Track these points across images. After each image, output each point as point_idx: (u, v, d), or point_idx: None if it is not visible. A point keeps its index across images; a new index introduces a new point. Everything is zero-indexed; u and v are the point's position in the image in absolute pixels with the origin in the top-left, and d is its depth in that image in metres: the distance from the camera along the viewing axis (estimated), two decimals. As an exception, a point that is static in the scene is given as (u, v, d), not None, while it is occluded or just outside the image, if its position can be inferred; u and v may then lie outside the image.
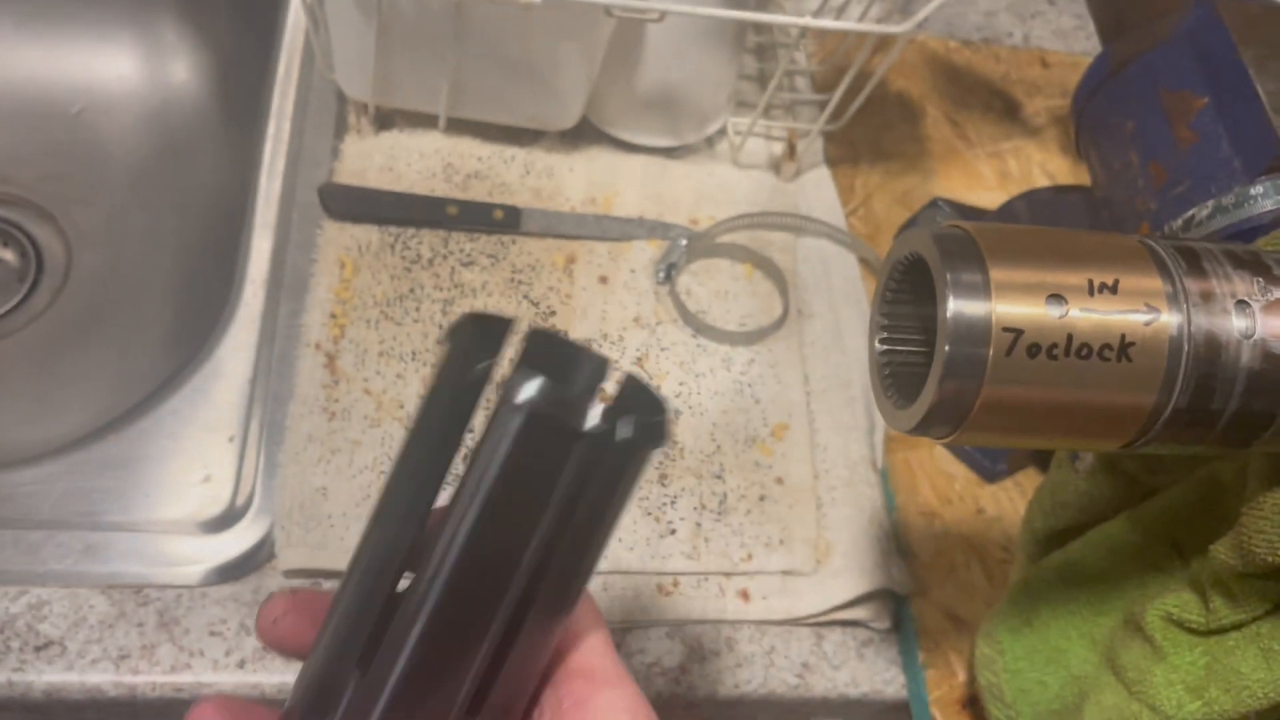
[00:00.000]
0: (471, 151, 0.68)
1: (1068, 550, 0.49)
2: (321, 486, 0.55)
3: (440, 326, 0.61)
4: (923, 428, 0.33)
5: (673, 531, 0.57)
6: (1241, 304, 0.32)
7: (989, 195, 0.73)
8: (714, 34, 0.65)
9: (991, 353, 0.31)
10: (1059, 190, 0.65)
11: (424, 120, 0.68)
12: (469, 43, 0.60)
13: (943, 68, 0.80)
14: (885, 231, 0.71)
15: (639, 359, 0.63)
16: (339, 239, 0.63)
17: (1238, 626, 0.41)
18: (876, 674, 0.57)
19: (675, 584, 0.57)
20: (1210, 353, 0.32)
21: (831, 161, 0.74)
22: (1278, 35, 0.51)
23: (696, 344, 0.64)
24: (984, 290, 0.31)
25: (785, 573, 0.58)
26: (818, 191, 0.72)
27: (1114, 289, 0.31)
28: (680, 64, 0.66)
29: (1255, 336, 0.32)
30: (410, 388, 0.59)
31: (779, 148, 0.73)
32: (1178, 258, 0.33)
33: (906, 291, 0.36)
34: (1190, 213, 0.50)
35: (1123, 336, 0.31)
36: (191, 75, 0.82)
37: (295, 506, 0.54)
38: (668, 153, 0.71)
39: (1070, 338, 0.31)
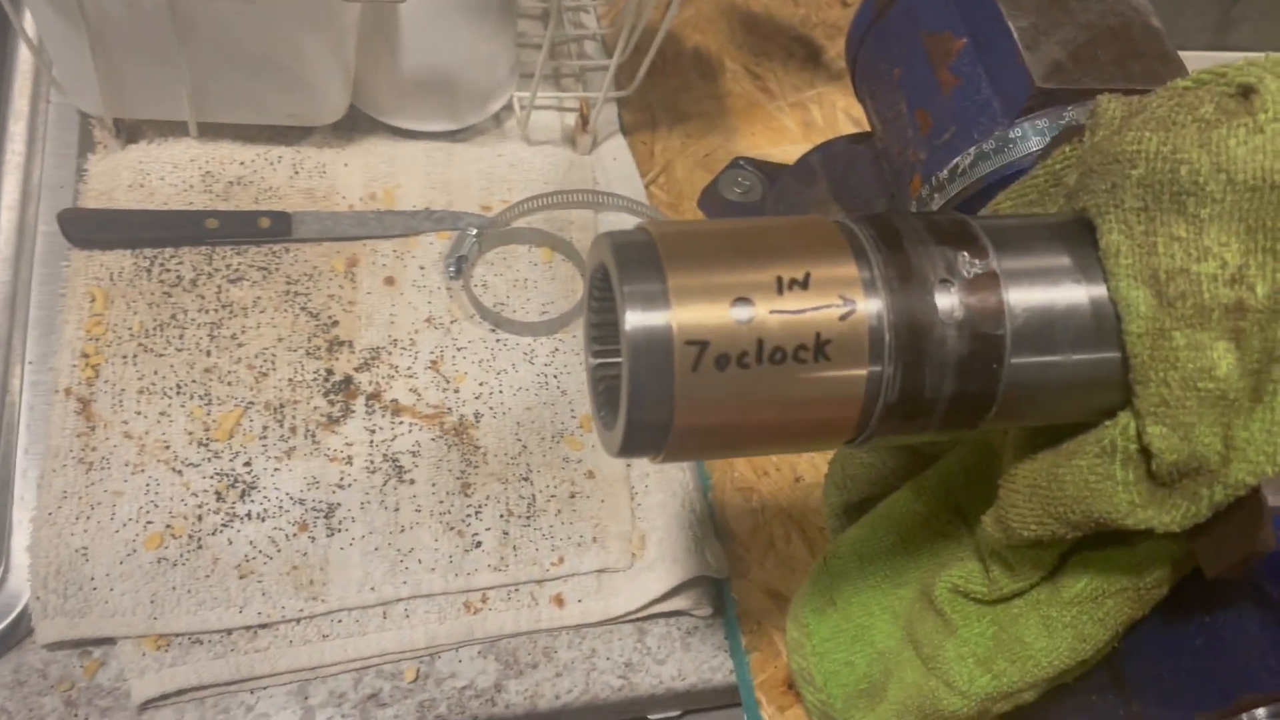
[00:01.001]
0: (232, 156, 0.63)
1: (861, 524, 0.47)
2: (81, 547, 0.51)
3: (208, 354, 0.57)
4: (627, 451, 0.30)
5: (478, 544, 0.54)
6: (944, 282, 0.30)
7: (794, 148, 0.71)
8: (478, 6, 0.61)
9: (677, 369, 0.28)
10: (853, 140, 0.63)
11: (174, 129, 0.62)
12: (197, 42, 0.55)
13: (740, 17, 0.77)
14: (688, 198, 0.68)
15: (433, 363, 0.59)
16: (87, 269, 0.58)
17: (1019, 594, 0.39)
18: (703, 662, 0.55)
19: (484, 599, 0.54)
20: (914, 339, 0.29)
21: (629, 129, 0.70)
22: (1030, -34, 0.49)
23: (496, 339, 0.61)
24: (663, 300, 0.28)
25: (600, 571, 0.55)
26: (616, 163, 0.69)
27: (805, 283, 0.29)
28: (446, 41, 0.62)
29: (960, 316, 0.29)
30: (178, 425, 0.54)
31: (573, 119, 0.69)
32: (876, 239, 0.30)
33: (611, 300, 0.33)
34: (955, 161, 0.48)
35: (818, 335, 0.29)
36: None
37: (51, 572, 0.49)
38: (452, 136, 0.67)
39: (761, 343, 0.28)
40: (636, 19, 0.67)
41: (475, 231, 0.63)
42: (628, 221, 0.67)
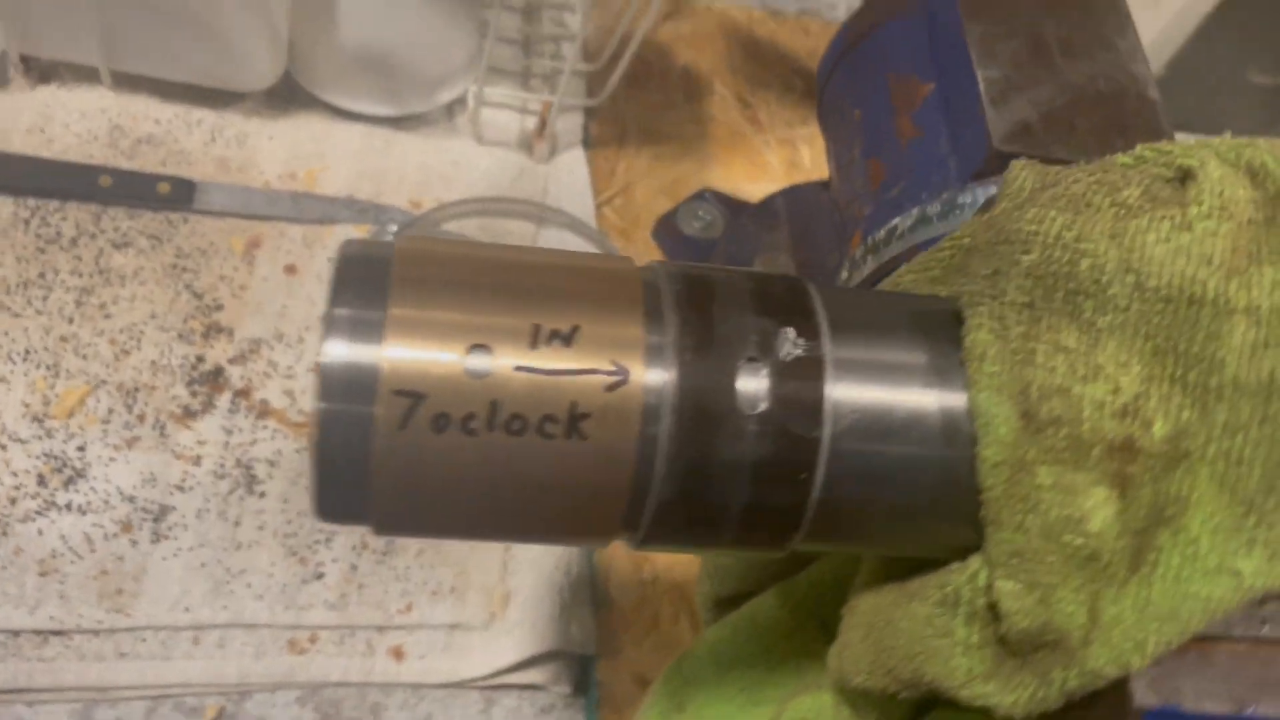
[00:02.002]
0: (148, 113, 0.58)
1: (722, 624, 0.40)
2: (-127, 512, 0.45)
3: (71, 321, 0.51)
4: (326, 514, 0.24)
5: (320, 576, 0.48)
6: (752, 362, 0.23)
7: (772, 188, 0.64)
8: (430, -14, 0.55)
9: (379, 424, 0.22)
10: (822, 185, 0.56)
11: (90, 75, 0.58)
12: (103, -19, 0.50)
13: (741, 40, 0.71)
14: (643, 225, 0.62)
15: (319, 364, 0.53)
16: (-40, 211, 0.53)
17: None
18: (555, 748, 0.48)
19: (313, 640, 0.47)
20: (701, 429, 0.23)
21: (594, 142, 0.64)
22: (1015, 10, 0.42)
23: (397, 348, 0.55)
24: (376, 332, 0.22)
25: (453, 626, 0.49)
26: (570, 175, 0.63)
27: (569, 338, 0.22)
28: (392, 16, 0.56)
29: (765, 408, 0.23)
30: (16, 394, 0.49)
31: (534, 123, 0.64)
32: (682, 297, 0.24)
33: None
34: (895, 221, 0.41)
35: (573, 405, 0.22)
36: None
37: None
38: (395, 123, 0.62)
39: (495, 406, 0.22)
40: (629, 27, 0.61)
41: (395, 228, 0.57)
42: (572, 242, 0.61)
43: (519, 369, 0.22)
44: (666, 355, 0.23)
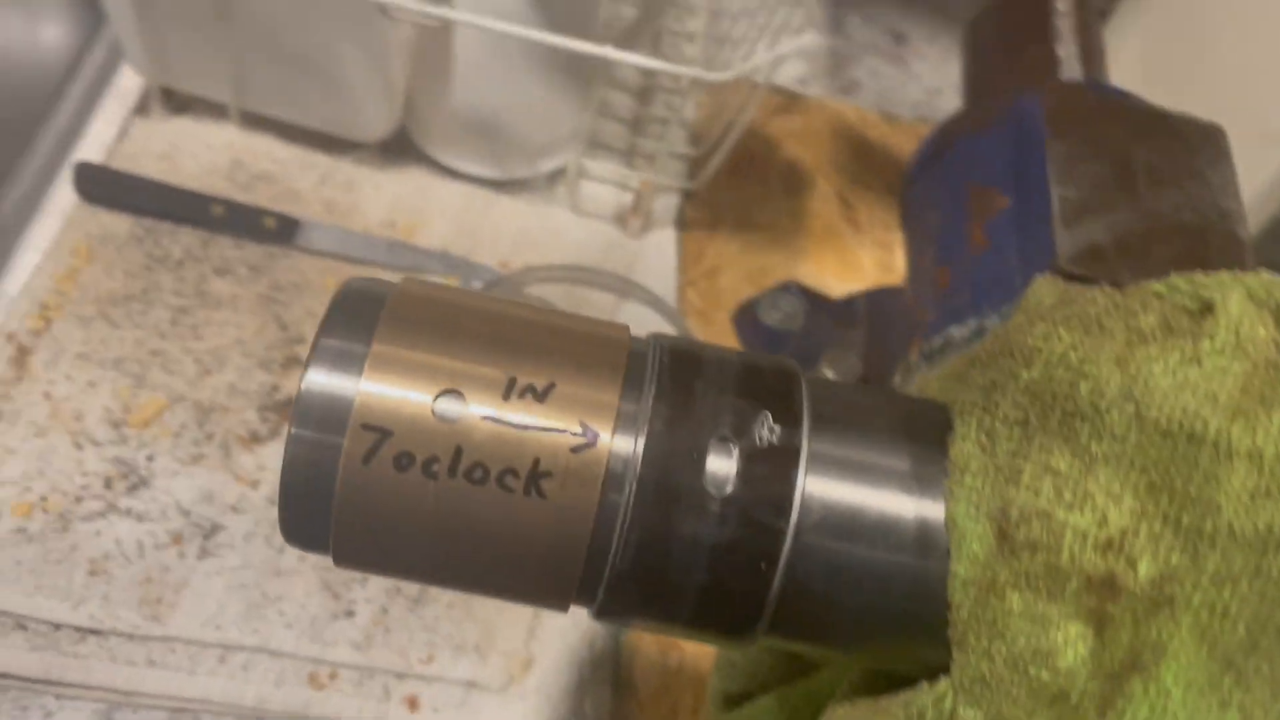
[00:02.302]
0: (268, 151, 0.61)
1: (730, 717, 0.39)
2: (-48, 492, 0.48)
3: (163, 337, 0.54)
4: (291, 535, 0.24)
5: (350, 613, 0.49)
6: (724, 441, 0.23)
7: (861, 287, 0.64)
8: (543, 59, 0.57)
9: (344, 455, 0.22)
10: (902, 290, 0.56)
11: (221, 112, 0.61)
12: (237, 23, 0.54)
13: (850, 139, 0.71)
14: (724, 309, 0.62)
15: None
16: (84, 223, 0.57)
17: None
18: (555, 825, 0.47)
19: (332, 676, 0.48)
20: (663, 502, 0.22)
21: (687, 224, 0.65)
22: (1104, 132, 0.41)
23: (465, 402, 0.56)
24: (357, 365, 0.23)
25: (470, 684, 0.49)
26: (658, 253, 0.64)
27: (543, 394, 0.23)
28: (502, 84, 0.58)
29: (731, 491, 0.22)
30: (100, 399, 0.52)
31: (630, 199, 0.65)
32: (666, 368, 0.24)
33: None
34: (952, 330, 0.40)
35: (536, 462, 0.22)
36: (65, 38, 0.78)
37: (-91, 510, 0.47)
38: (497, 185, 0.64)
39: (459, 453, 0.22)
40: (736, 115, 0.62)
41: (479, 284, 0.59)
42: (651, 318, 0.61)
43: (487, 418, 0.22)
44: (638, 424, 0.23)
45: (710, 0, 0.73)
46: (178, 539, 0.49)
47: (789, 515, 0.22)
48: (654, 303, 0.61)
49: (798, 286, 0.62)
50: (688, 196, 0.66)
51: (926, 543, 0.23)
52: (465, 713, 0.48)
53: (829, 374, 0.50)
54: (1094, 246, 0.38)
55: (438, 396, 0.22)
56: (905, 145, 0.72)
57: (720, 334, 0.61)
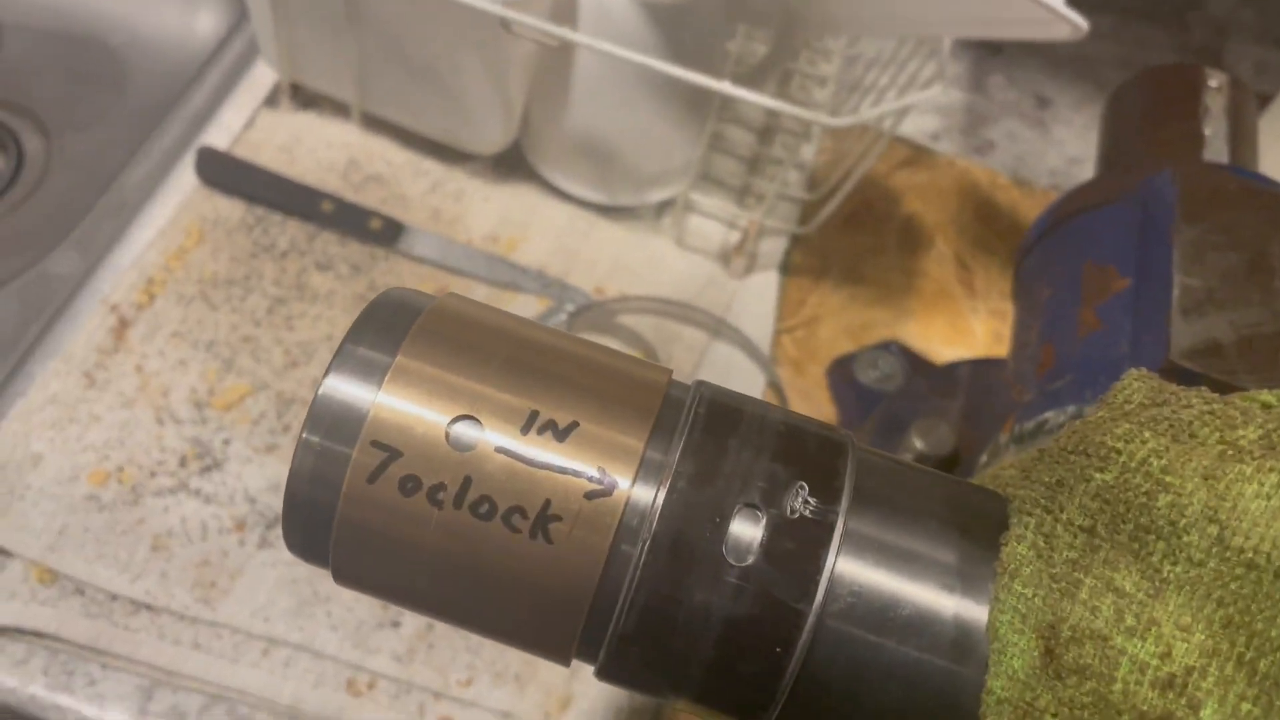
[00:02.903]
0: (384, 154, 0.62)
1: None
2: (37, 452, 0.50)
3: (258, 324, 0.55)
4: (294, 544, 0.23)
5: (396, 624, 0.48)
6: (751, 508, 0.21)
7: (969, 356, 0.61)
8: (661, 88, 0.56)
9: (350, 471, 0.21)
10: (1006, 363, 0.52)
11: (344, 112, 0.62)
12: (365, 28, 0.54)
13: (977, 201, 0.68)
14: (818, 361, 0.60)
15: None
16: (200, 206, 0.58)
17: None
18: None
19: (371, 685, 0.47)
20: (675, 564, 0.21)
21: (792, 269, 0.63)
22: (1241, 220, 0.38)
23: (542, 424, 0.55)
24: (377, 376, 0.22)
25: (505, 715, 0.47)
26: (758, 296, 0.62)
27: (564, 432, 0.21)
28: (618, 112, 0.58)
29: (751, 562, 0.21)
30: (188, 378, 0.53)
31: (736, 237, 0.63)
32: (701, 421, 0.22)
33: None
34: (1046, 415, 0.38)
35: (547, 504, 0.21)
36: (215, 27, 0.80)
37: (-5, 463, 0.49)
38: (603, 210, 0.63)
39: (468, 483, 0.21)
40: (855, 162, 0.60)
41: (572, 308, 0.58)
42: (740, 361, 0.59)
43: (501, 450, 0.21)
44: (661, 477, 0.21)
45: (846, 46, 0.71)
46: (240, 525, 0.49)
47: (813, 597, 0.20)
48: (745, 345, 0.59)
49: (899, 347, 0.60)
50: (796, 241, 0.64)
51: (964, 647, 0.21)
52: (497, 743, 0.47)
53: (919, 444, 0.48)
54: (1213, 342, 0.35)
55: (454, 421, 0.21)
56: (1034, 213, 0.69)
57: (812, 385, 0.59)
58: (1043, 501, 0.21)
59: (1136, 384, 0.23)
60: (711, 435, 0.22)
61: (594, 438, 0.21)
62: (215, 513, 0.50)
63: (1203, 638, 0.19)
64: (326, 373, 0.22)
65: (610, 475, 0.21)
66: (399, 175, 0.62)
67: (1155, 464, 0.20)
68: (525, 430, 0.21)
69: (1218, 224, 0.38)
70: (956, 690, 0.21)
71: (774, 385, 0.58)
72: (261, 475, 0.51)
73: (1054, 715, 0.19)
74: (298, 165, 0.61)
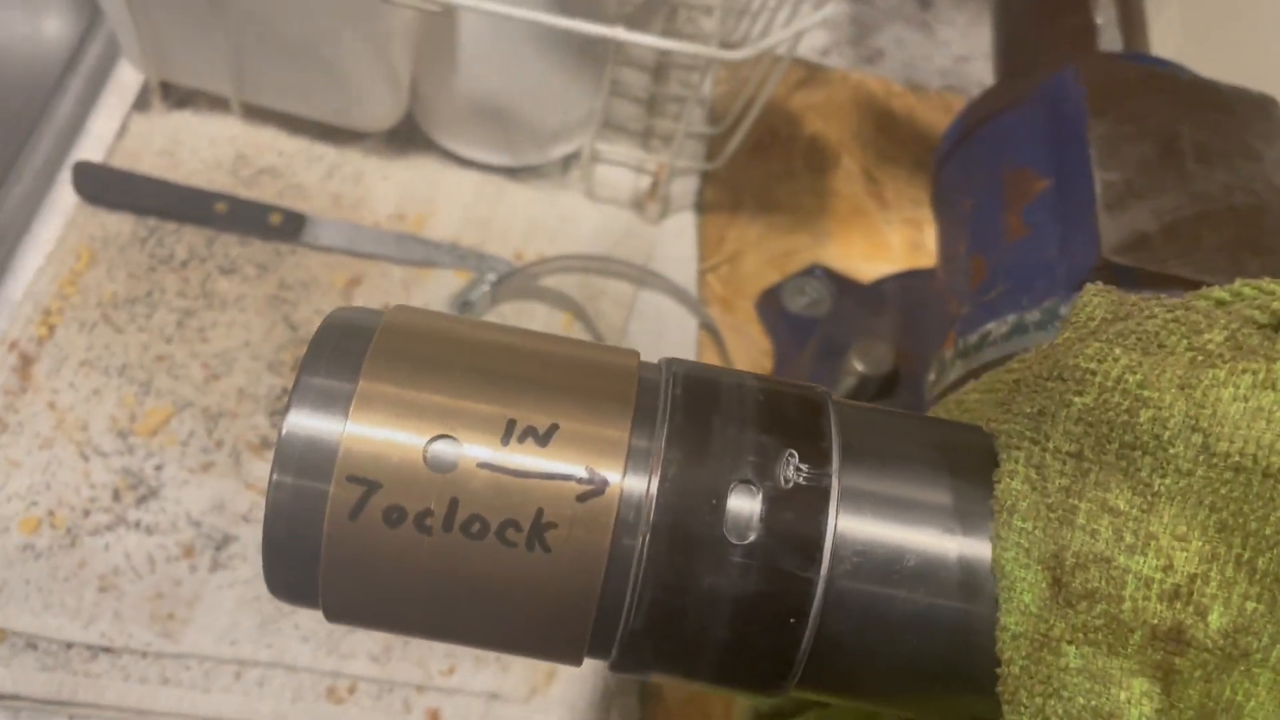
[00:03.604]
0: (272, 145, 0.59)
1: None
2: (-43, 509, 0.47)
3: (169, 341, 0.53)
4: (278, 590, 0.22)
5: (367, 623, 0.48)
6: (746, 485, 0.21)
7: (891, 268, 0.61)
8: (552, 41, 0.55)
9: (329, 511, 0.20)
10: (934, 274, 0.53)
11: (223, 105, 0.59)
12: (234, 15, 0.52)
13: (875, 112, 0.69)
14: (746, 296, 0.60)
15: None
16: (86, 225, 0.55)
17: None
18: (583, 838, 0.46)
19: (351, 690, 0.47)
20: (679, 554, 0.20)
21: (707, 207, 0.63)
22: (1148, 109, 0.38)
23: (481, 399, 0.54)
24: (341, 406, 0.21)
25: (492, 696, 0.47)
26: (677, 239, 0.61)
27: (545, 437, 0.21)
28: (510, 69, 0.56)
29: (753, 539, 0.20)
30: (105, 408, 0.50)
31: (647, 183, 0.62)
32: (680, 402, 0.22)
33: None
34: (988, 326, 0.38)
35: (539, 512, 0.20)
36: (67, 29, 0.76)
37: (-87, 528, 0.46)
38: (509, 173, 0.61)
39: (455, 504, 0.20)
40: (756, 91, 0.59)
41: (493, 277, 0.57)
42: (670, 307, 0.59)
43: (484, 465, 0.20)
44: (650, 467, 0.21)
45: (726, -30, 0.70)
46: (189, 551, 0.48)
47: (819, 563, 0.20)
48: (672, 291, 0.59)
49: (822, 270, 0.60)
50: (706, 178, 0.63)
51: (971, 586, 0.21)
52: (488, 725, 0.47)
53: (859, 366, 0.48)
54: (1140, 234, 0.35)
55: (430, 441, 0.20)
56: (932, 117, 0.69)
57: (744, 321, 0.59)
58: (1028, 433, 0.21)
59: (1096, 299, 0.23)
60: (693, 416, 0.21)
61: (576, 437, 0.21)
62: (160, 542, 0.48)
63: (1200, 544, 0.19)
64: (287, 409, 0.21)
65: (599, 473, 0.20)
66: (292, 164, 0.59)
67: (1131, 380, 0.20)
68: (505, 440, 0.20)
69: (1126, 114, 0.38)
70: (969, 630, 0.21)
71: (707, 327, 0.58)
72: (201, 496, 0.49)
73: (1070, 642, 0.20)
74: (182, 168, 0.58)
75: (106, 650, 0.46)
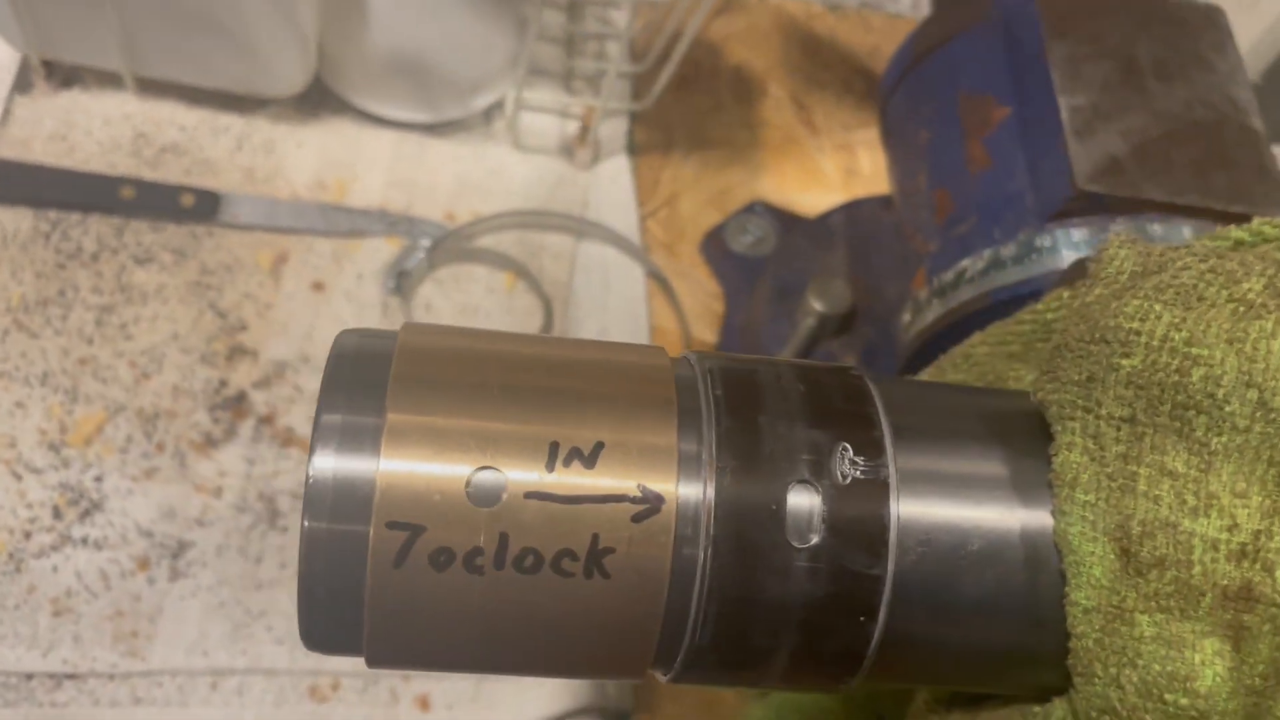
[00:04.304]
0: (172, 119, 0.56)
1: (766, 702, 0.37)
2: (-116, 546, 0.44)
3: (90, 342, 0.49)
4: (316, 644, 0.21)
5: (342, 615, 0.46)
6: (804, 484, 0.20)
7: (827, 198, 0.60)
8: (465, -14, 0.52)
9: (371, 561, 0.19)
10: (886, 203, 0.53)
11: (113, 81, 0.55)
12: (121, -14, 0.48)
13: (798, 37, 0.67)
14: (688, 240, 0.59)
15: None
16: (-21, 225, 0.51)
17: None
18: (587, 804, 0.46)
19: (335, 687, 0.45)
20: (742, 567, 0.20)
21: (638, 149, 0.61)
22: (1104, 27, 0.38)
23: (429, 371, 0.52)
24: (370, 443, 0.19)
25: (480, 675, 0.46)
26: (613, 185, 0.59)
27: (591, 457, 0.19)
28: (425, 18, 0.53)
29: (817, 541, 0.20)
30: (32, 421, 0.47)
31: (575, 129, 0.60)
32: (723, 401, 0.21)
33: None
34: (963, 264, 0.38)
35: (595, 539, 0.19)
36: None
37: None
38: (430, 130, 0.59)
39: (505, 540, 0.19)
40: (679, 24, 0.57)
41: (428, 243, 0.55)
42: (613, 257, 0.57)
43: (532, 495, 0.19)
44: (703, 474, 0.20)
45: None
46: (144, 564, 0.45)
47: (885, 558, 0.20)
48: (614, 240, 0.57)
49: (763, 207, 0.59)
50: (635, 119, 0.62)
51: (1036, 563, 0.20)
52: (480, 705, 0.46)
53: (817, 305, 0.47)
54: (1111, 159, 0.35)
55: (472, 474, 0.19)
56: (854, 37, 0.68)
57: (689, 266, 0.58)
58: (1080, 402, 0.21)
59: (1123, 251, 0.23)
60: (739, 416, 0.20)
61: (624, 452, 0.19)
62: (111, 557, 0.45)
63: (1260, 499, 0.19)
64: (311, 452, 0.19)
65: (652, 489, 0.19)
66: (197, 139, 0.55)
67: (1177, 338, 0.20)
68: (550, 465, 0.19)
69: (1084, 35, 0.38)
70: (1036, 607, 0.20)
71: (654, 275, 0.57)
72: (149, 504, 0.47)
73: (1143, 612, 0.19)
74: (78, 153, 0.54)
75: (70, 677, 0.43)
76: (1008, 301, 0.35)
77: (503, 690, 0.46)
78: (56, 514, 0.46)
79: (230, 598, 0.45)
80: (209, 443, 0.48)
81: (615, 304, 0.56)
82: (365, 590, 0.19)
